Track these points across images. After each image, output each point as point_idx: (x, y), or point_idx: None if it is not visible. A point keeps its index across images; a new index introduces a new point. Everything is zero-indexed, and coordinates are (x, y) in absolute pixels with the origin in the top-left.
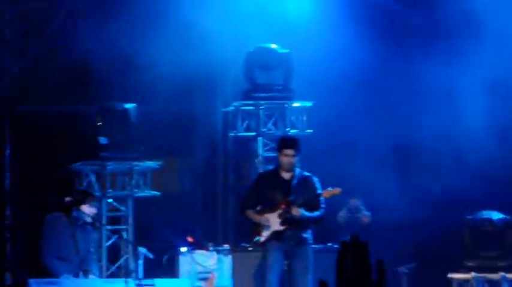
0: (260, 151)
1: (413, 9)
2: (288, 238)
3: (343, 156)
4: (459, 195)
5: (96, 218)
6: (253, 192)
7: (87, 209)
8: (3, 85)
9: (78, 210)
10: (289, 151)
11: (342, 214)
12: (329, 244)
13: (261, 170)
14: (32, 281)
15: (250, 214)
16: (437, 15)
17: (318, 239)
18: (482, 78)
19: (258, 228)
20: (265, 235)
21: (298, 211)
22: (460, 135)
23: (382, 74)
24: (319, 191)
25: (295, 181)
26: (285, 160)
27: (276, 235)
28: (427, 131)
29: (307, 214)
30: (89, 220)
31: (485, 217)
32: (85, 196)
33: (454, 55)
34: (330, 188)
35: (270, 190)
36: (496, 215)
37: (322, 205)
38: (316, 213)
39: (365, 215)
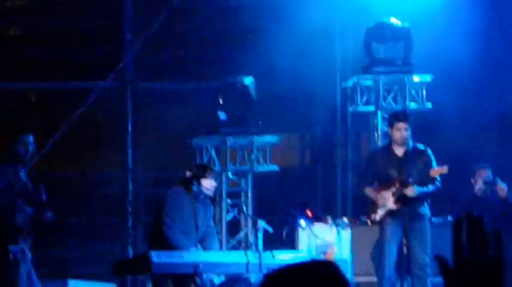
0: (380, 125)
1: None
2: (404, 215)
3: (463, 129)
4: None
5: (216, 191)
6: (367, 169)
7: (208, 183)
8: (125, 62)
9: (199, 184)
10: (402, 125)
11: (480, 186)
12: (448, 217)
13: (380, 144)
14: (153, 253)
15: (367, 191)
16: None
17: (439, 213)
18: None
19: (374, 206)
20: (380, 213)
21: (413, 191)
22: None
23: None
24: (432, 167)
25: (408, 156)
26: (397, 134)
27: (391, 213)
28: None
29: (422, 190)
30: (209, 193)
31: None
32: (204, 170)
33: None
34: (437, 167)
35: (384, 166)
36: None
37: (437, 180)
38: (431, 188)
39: (501, 188)
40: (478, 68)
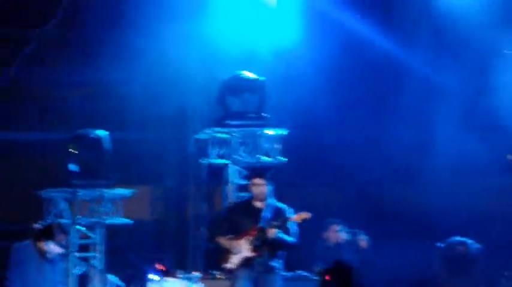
0: (232, 178)
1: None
2: (257, 266)
3: (317, 183)
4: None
5: (64, 249)
6: (225, 220)
7: (54, 248)
8: None
9: (47, 244)
10: (258, 181)
11: (343, 236)
12: (298, 272)
13: (233, 198)
14: None
15: (221, 240)
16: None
17: (291, 267)
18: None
19: (227, 255)
20: (234, 261)
21: (274, 232)
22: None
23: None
24: (288, 216)
25: (267, 211)
26: (255, 189)
27: (245, 261)
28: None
29: (282, 236)
30: (52, 256)
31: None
32: (55, 234)
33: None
34: (299, 213)
35: (242, 218)
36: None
37: (295, 234)
38: (291, 238)
39: (362, 238)
40: (335, 123)
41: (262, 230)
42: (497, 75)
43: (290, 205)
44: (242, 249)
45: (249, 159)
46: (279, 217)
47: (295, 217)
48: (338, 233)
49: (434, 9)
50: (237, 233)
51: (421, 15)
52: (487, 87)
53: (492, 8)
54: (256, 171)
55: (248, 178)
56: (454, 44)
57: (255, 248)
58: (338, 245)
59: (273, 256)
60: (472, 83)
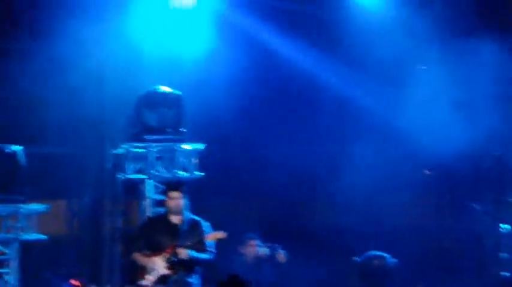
0: (149, 193)
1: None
2: (173, 283)
3: (234, 197)
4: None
5: None
6: (141, 236)
7: None
8: None
9: None
10: (174, 194)
11: (263, 251)
12: None
13: (149, 213)
14: None
15: (137, 256)
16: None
17: (208, 283)
18: None
19: (143, 271)
20: (150, 278)
21: (185, 253)
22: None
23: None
24: (204, 230)
25: (183, 225)
26: (171, 203)
27: (161, 279)
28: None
29: (195, 255)
30: None
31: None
32: None
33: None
34: (214, 232)
35: (158, 234)
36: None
37: (211, 249)
38: (205, 255)
39: (280, 253)
40: (251, 138)
41: (176, 249)
42: (412, 91)
43: (207, 219)
44: (157, 267)
45: (166, 174)
46: (195, 231)
47: (210, 236)
48: (256, 248)
49: (350, 25)
50: (154, 249)
51: (337, 31)
52: (402, 103)
53: (407, 25)
54: (171, 184)
55: (164, 192)
56: (369, 59)
57: (171, 266)
58: (256, 259)
59: (189, 272)
60: (387, 99)
